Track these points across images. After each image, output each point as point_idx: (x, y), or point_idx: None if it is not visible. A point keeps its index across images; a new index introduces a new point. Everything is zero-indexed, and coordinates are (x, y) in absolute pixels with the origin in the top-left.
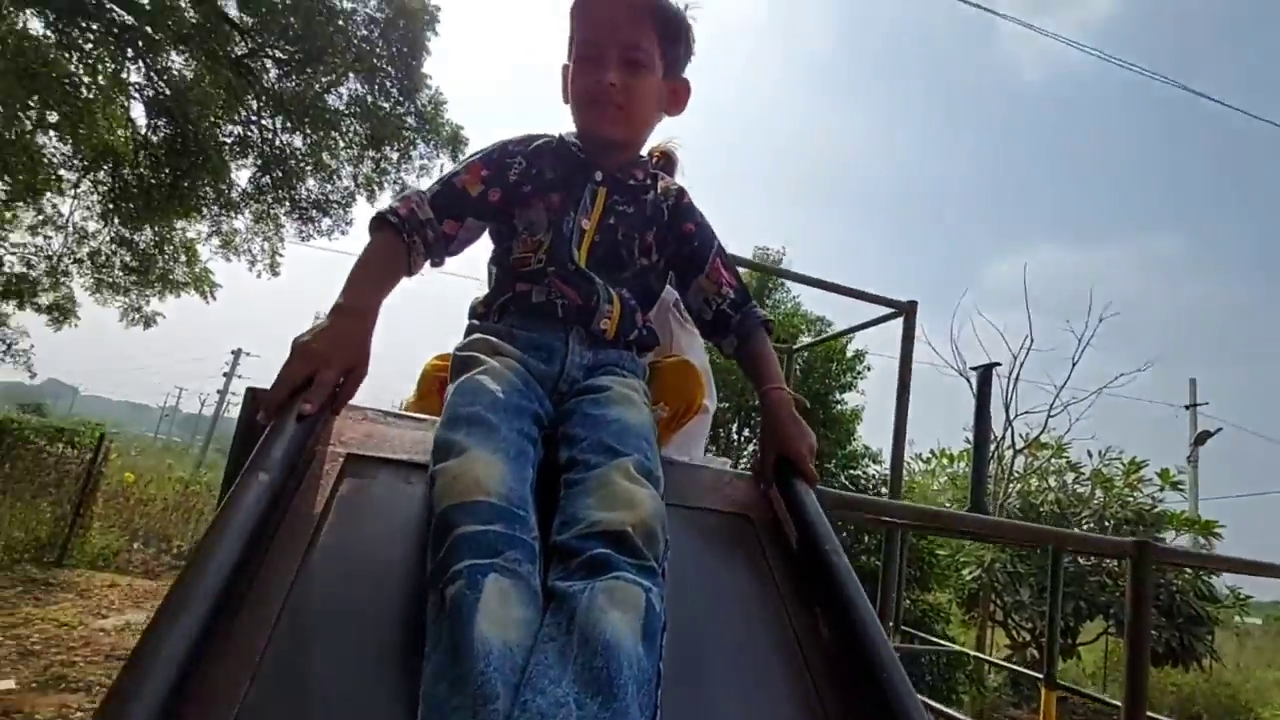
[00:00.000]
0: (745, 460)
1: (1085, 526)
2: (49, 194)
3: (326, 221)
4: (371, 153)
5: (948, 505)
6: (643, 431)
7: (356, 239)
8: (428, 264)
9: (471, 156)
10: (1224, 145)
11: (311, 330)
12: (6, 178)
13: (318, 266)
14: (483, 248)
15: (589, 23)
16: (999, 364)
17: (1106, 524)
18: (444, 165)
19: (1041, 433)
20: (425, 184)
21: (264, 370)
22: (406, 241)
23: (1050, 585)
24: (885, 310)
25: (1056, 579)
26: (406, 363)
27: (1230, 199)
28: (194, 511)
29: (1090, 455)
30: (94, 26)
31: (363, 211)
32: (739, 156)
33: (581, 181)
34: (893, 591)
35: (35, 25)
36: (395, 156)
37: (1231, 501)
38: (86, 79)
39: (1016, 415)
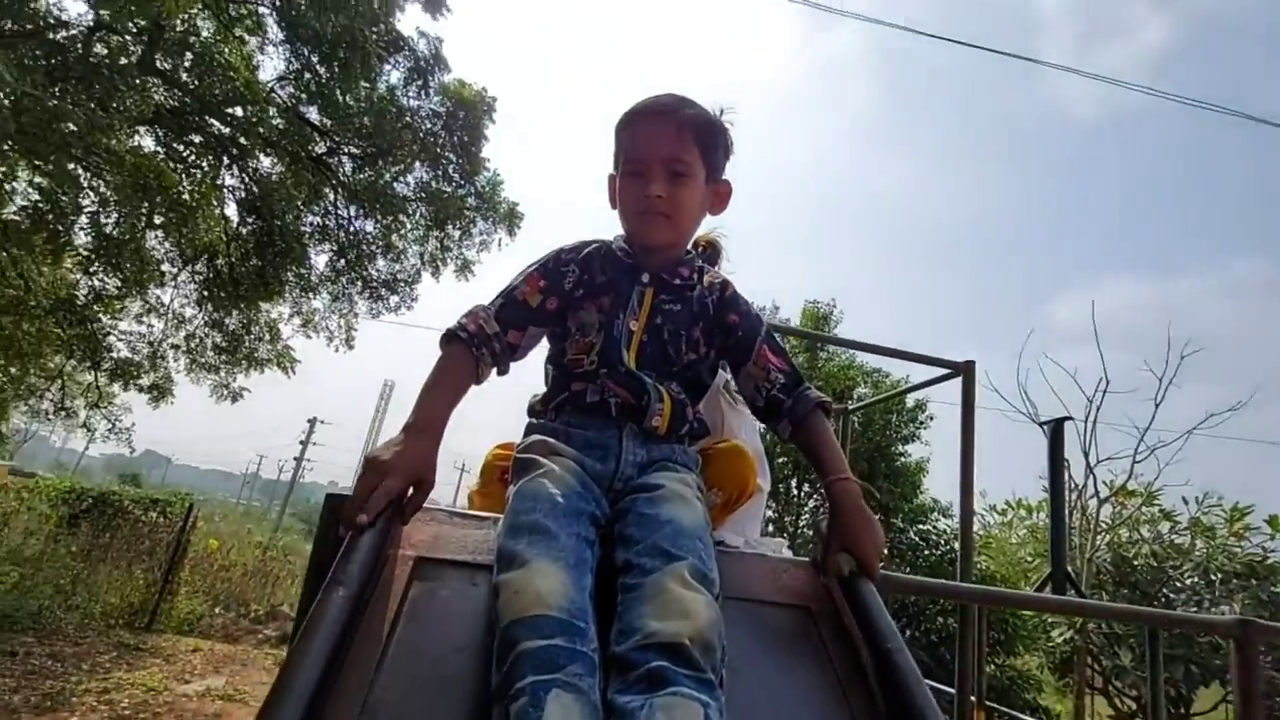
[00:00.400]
0: (806, 517)
1: (1188, 581)
2: (153, 286)
3: (394, 298)
4: (436, 232)
5: (1029, 559)
6: (696, 531)
7: (421, 313)
8: (494, 372)
9: (529, 267)
10: None
11: (384, 445)
12: (120, 274)
13: (384, 338)
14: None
15: (634, 140)
16: (1071, 417)
17: (1213, 578)
18: (502, 240)
19: (1128, 480)
20: (485, 257)
21: (338, 435)
22: (475, 355)
23: (1150, 669)
24: (942, 371)
25: (1156, 663)
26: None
27: None
28: (270, 576)
29: (1186, 502)
30: (196, 139)
31: (428, 287)
32: (788, 214)
33: (629, 284)
34: (970, 661)
35: (148, 142)
36: (457, 234)
37: None
38: (188, 186)
39: (1098, 462)
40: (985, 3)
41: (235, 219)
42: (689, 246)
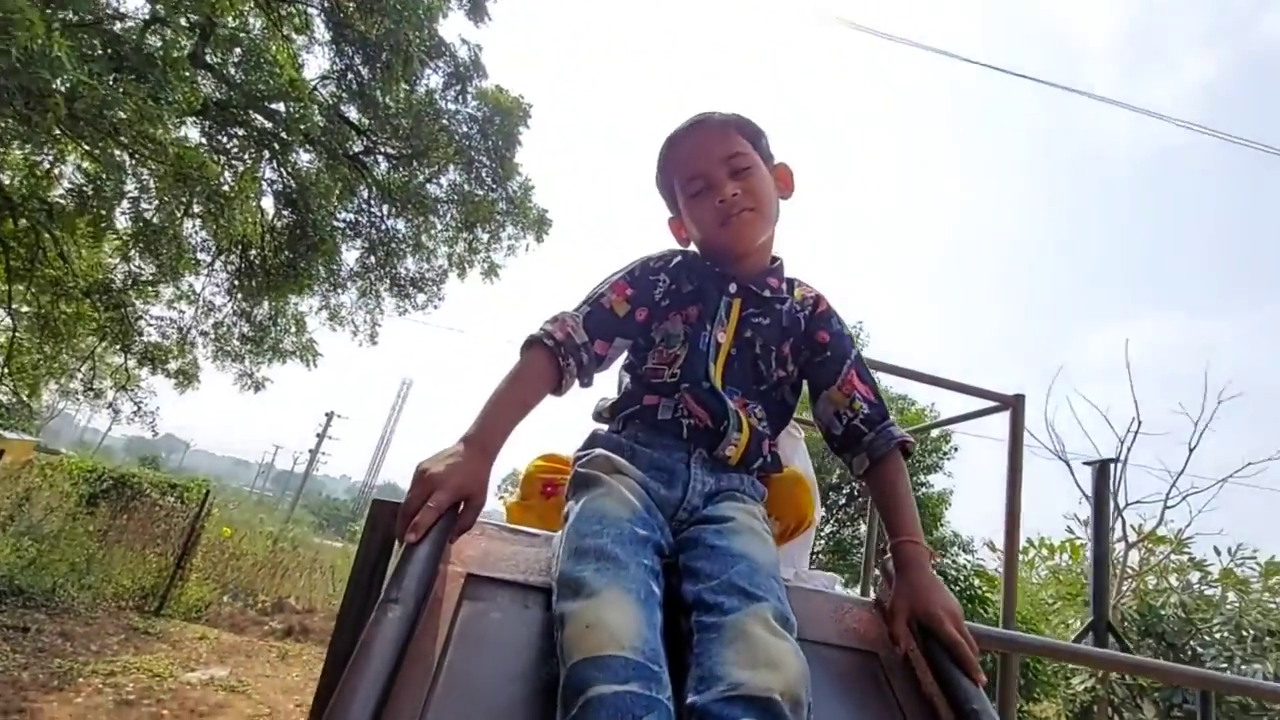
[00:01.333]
0: (821, 541)
1: (1218, 635)
2: (187, 273)
3: (421, 297)
4: (465, 234)
5: (1049, 601)
6: (772, 570)
7: (446, 313)
8: (576, 384)
9: (614, 274)
10: None
11: (436, 456)
12: (156, 261)
13: (405, 336)
14: None
15: (685, 162)
16: (1117, 459)
17: (1245, 634)
18: (530, 245)
19: (1158, 525)
20: (510, 261)
21: (353, 430)
22: (561, 365)
23: None
24: (987, 403)
25: None
26: None
27: None
28: (279, 568)
29: (1218, 552)
30: (239, 133)
31: (454, 287)
32: (824, 240)
33: (716, 294)
34: (1013, 713)
35: (193, 134)
36: (486, 238)
37: None
38: (229, 178)
39: (1127, 505)
40: (1031, 37)
41: (271, 212)
42: (773, 254)
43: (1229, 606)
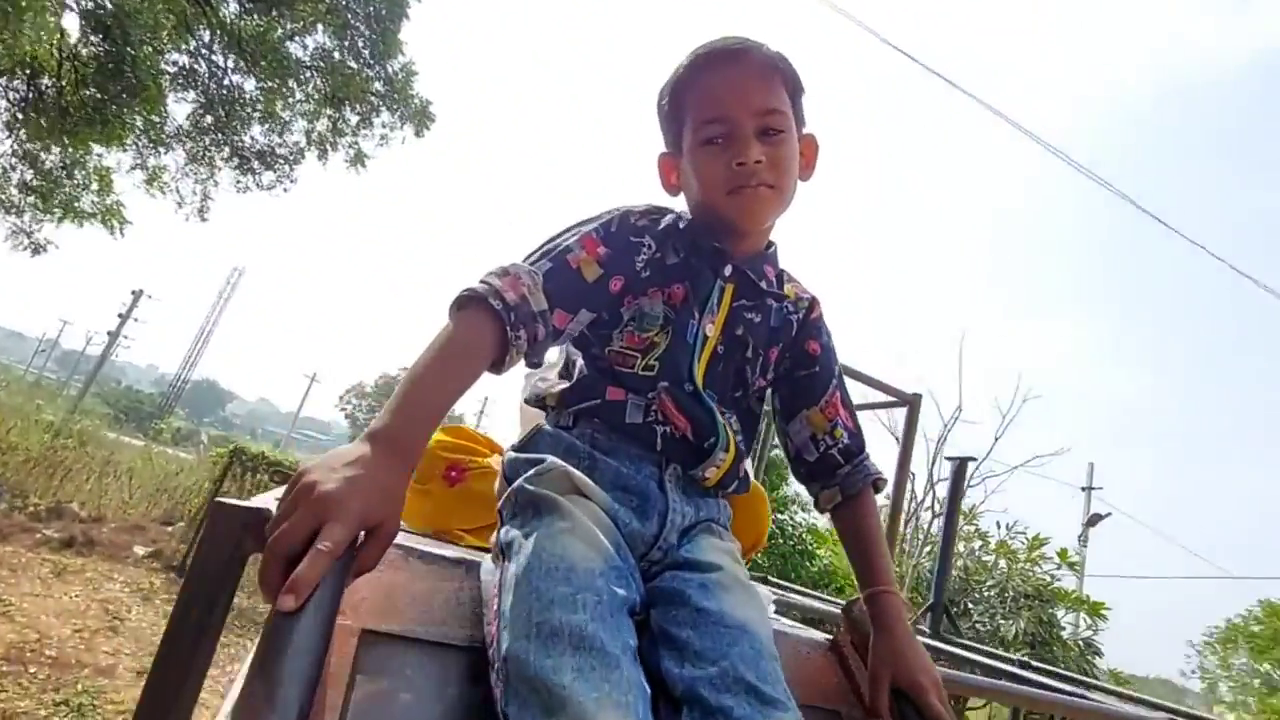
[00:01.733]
0: None
1: (987, 594)
2: None
3: (269, 175)
4: (330, 111)
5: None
6: (772, 646)
7: (299, 198)
8: (522, 362)
9: (583, 224)
10: (1140, 245)
11: (328, 461)
12: None
13: (242, 214)
14: None
15: (712, 97)
16: (974, 458)
17: (1006, 595)
18: (406, 138)
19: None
20: (383, 153)
21: (166, 314)
22: (509, 337)
23: None
24: (887, 398)
25: None
26: None
27: (1135, 291)
28: (60, 467)
29: (998, 526)
30: None
31: (310, 170)
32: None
33: (710, 274)
34: None
35: None
36: (355, 120)
37: (1111, 582)
38: None
39: (939, 480)
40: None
41: (76, 35)
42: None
43: (999, 572)
